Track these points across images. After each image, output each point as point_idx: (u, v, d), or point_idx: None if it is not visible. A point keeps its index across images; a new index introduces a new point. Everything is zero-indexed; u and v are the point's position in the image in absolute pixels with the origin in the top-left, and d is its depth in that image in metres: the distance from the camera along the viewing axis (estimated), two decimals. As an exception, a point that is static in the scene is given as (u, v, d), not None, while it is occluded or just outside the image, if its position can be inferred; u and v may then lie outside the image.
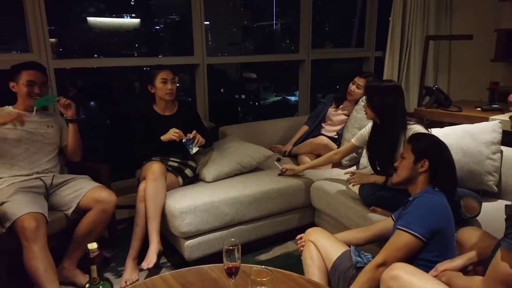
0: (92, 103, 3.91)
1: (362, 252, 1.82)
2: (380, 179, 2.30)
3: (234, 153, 2.82)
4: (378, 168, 2.41)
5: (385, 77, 4.12)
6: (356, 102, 3.12)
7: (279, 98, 5.19)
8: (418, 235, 1.57)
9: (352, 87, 3.18)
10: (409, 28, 4.04)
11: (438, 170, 1.75)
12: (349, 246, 1.84)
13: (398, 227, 1.63)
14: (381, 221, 2.02)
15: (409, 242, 1.58)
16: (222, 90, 4.69)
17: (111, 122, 3.92)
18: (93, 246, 1.16)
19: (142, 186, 2.44)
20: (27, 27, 2.76)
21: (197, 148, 2.56)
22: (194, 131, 2.57)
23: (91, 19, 3.45)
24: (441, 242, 1.59)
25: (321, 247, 1.86)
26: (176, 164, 2.68)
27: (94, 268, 1.19)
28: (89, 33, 3.50)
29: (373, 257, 1.78)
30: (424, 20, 4.09)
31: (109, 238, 2.71)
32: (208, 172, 2.67)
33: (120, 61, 3.23)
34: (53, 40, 3.27)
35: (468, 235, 1.67)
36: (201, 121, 2.89)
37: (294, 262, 2.53)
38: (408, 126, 2.27)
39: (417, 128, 2.24)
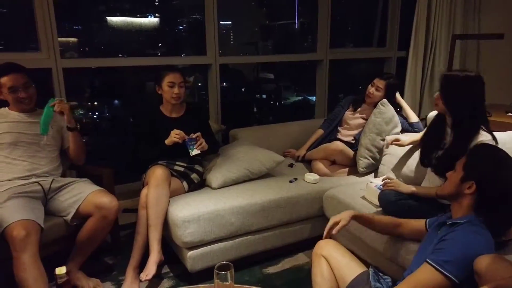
0: (115, 101, 3.90)
1: (381, 275, 1.64)
2: (421, 190, 2.05)
3: (243, 158, 2.67)
4: (426, 162, 2.16)
5: (407, 80, 3.91)
6: (375, 105, 2.92)
7: (300, 98, 5.03)
8: (452, 277, 1.33)
9: (371, 89, 2.98)
10: (434, 27, 3.83)
11: (486, 200, 1.46)
12: (368, 267, 1.66)
13: (429, 261, 1.38)
14: (414, 221, 1.80)
15: (439, 282, 1.34)
16: (242, 90, 4.56)
17: (126, 122, 3.87)
18: (61, 271, 1.02)
19: (144, 192, 2.33)
20: (36, 26, 2.70)
21: (198, 151, 2.43)
22: (198, 133, 2.45)
23: (111, 18, 3.40)
24: (475, 284, 1.35)
25: (335, 265, 1.68)
26: (182, 169, 2.56)
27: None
28: (110, 33, 3.44)
29: (392, 281, 1.62)
30: (451, 19, 3.87)
31: (112, 244, 2.61)
32: (215, 178, 2.53)
33: (130, 61, 3.15)
34: (75, 39, 3.27)
35: (489, 264, 1.43)
36: (209, 126, 2.76)
37: (304, 276, 2.38)
38: (481, 131, 1.93)
39: (488, 138, 1.92)
